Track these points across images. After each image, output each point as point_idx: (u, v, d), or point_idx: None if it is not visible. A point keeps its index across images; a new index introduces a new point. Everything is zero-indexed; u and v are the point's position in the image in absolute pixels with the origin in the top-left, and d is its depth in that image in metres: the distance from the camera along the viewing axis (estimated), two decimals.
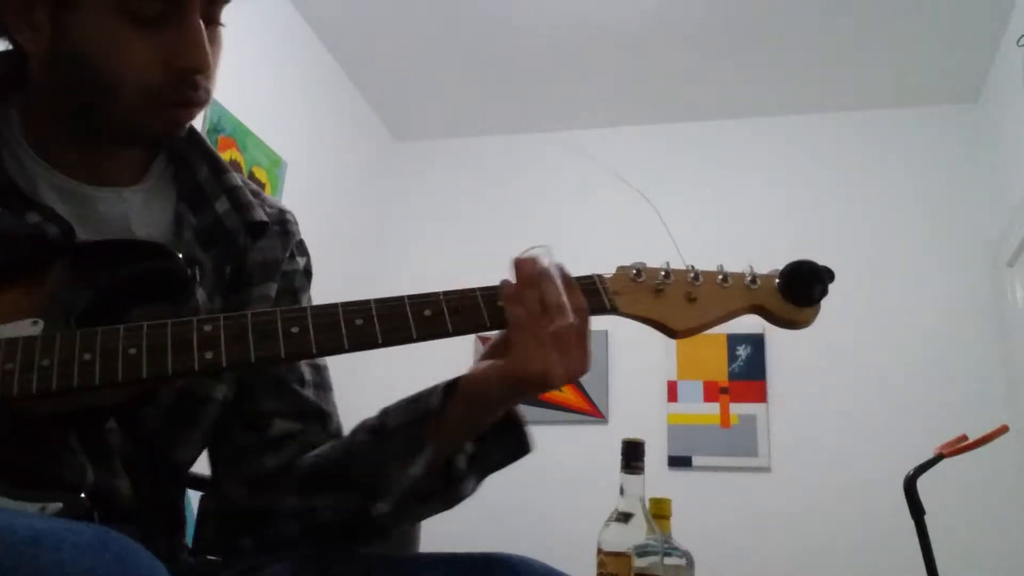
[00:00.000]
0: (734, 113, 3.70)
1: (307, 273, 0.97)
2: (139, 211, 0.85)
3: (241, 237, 0.87)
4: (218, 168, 0.90)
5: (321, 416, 0.90)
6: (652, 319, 0.81)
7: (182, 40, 0.75)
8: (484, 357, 0.79)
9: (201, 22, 0.76)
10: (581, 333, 0.76)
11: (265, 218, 0.89)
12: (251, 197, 0.90)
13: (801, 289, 0.81)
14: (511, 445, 0.84)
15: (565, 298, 0.76)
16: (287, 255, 0.93)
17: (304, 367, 0.91)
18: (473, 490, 0.84)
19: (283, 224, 0.94)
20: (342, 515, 0.81)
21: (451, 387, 0.80)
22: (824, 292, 0.81)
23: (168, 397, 0.81)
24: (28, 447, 0.71)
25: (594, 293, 0.80)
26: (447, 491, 0.81)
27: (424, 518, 0.84)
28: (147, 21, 0.74)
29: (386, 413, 0.82)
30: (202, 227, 0.86)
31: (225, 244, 0.87)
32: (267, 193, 0.99)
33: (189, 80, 0.77)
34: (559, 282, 0.77)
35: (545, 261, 0.78)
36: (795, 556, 3.06)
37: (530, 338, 0.74)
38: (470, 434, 0.81)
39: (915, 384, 3.20)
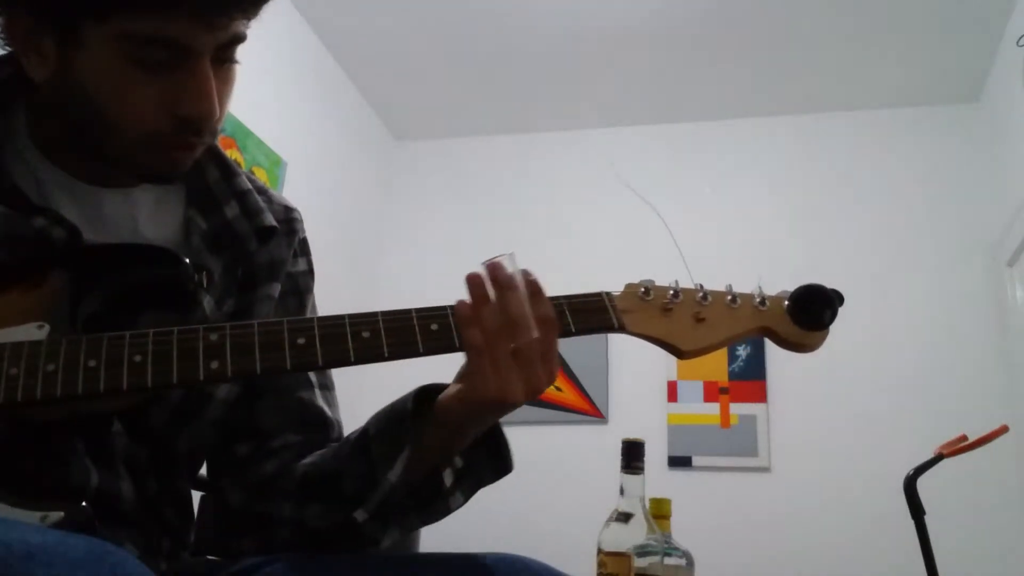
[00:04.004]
0: (733, 113, 3.70)
1: (310, 273, 0.97)
2: (148, 212, 0.84)
3: (251, 242, 0.87)
4: (228, 171, 0.90)
5: (324, 423, 0.90)
6: (660, 339, 0.80)
7: (189, 87, 0.74)
8: (455, 380, 0.77)
9: (209, 68, 0.75)
10: (546, 347, 0.73)
11: (274, 223, 0.89)
12: (260, 201, 0.90)
13: (810, 313, 0.81)
14: (496, 464, 0.83)
15: (528, 310, 0.72)
16: (291, 254, 0.93)
17: None
18: (460, 504, 0.83)
19: (289, 223, 0.94)
20: (330, 523, 0.81)
21: (424, 393, 0.79)
22: (834, 316, 0.80)
23: (176, 394, 0.81)
24: (32, 451, 0.70)
25: (602, 311, 0.78)
26: (433, 504, 0.81)
27: (411, 529, 0.83)
28: (153, 66, 0.72)
29: (368, 424, 0.82)
30: (211, 231, 0.86)
31: (234, 249, 0.87)
32: (262, 182, 0.99)
33: (193, 127, 0.76)
34: (523, 291, 0.73)
35: (508, 269, 0.73)
36: (795, 556, 3.06)
37: (487, 362, 0.71)
38: (451, 449, 0.80)
39: (915, 384, 3.19)
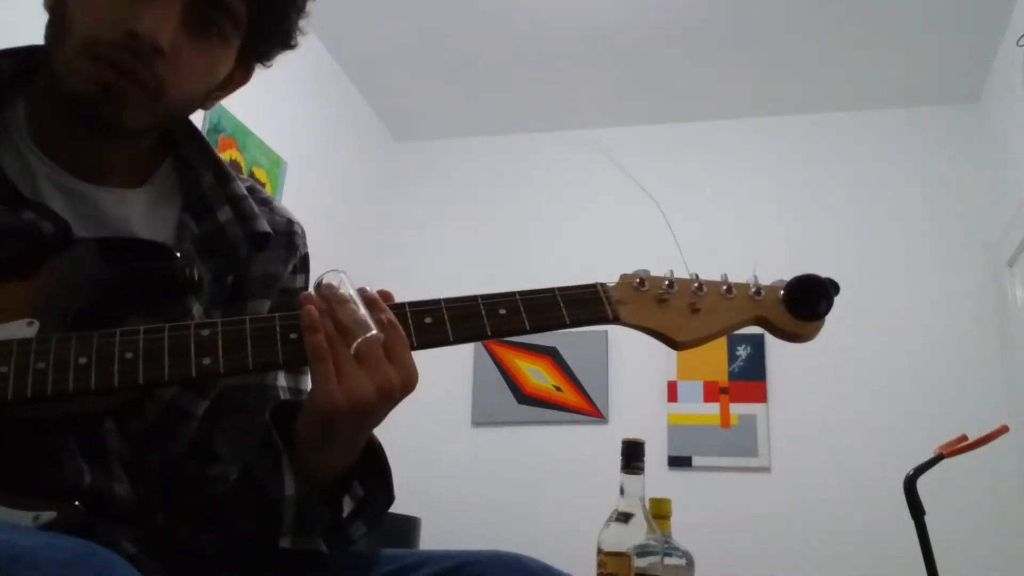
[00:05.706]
0: (734, 113, 3.70)
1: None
2: (141, 214, 0.83)
3: (243, 248, 0.86)
4: (223, 176, 0.88)
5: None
6: (654, 330, 0.79)
7: (146, 6, 0.74)
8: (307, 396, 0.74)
9: (176, 9, 0.75)
10: (393, 346, 0.71)
11: (268, 229, 0.87)
12: (256, 207, 0.88)
13: (806, 303, 0.80)
14: (387, 493, 0.79)
15: (365, 313, 0.71)
16: (288, 270, 0.91)
17: (283, 375, 0.89)
18: (362, 534, 0.78)
19: (289, 236, 0.92)
20: (220, 549, 0.78)
21: (286, 407, 0.77)
22: (829, 307, 0.79)
23: (153, 412, 0.79)
24: (24, 450, 0.70)
25: (597, 302, 0.77)
26: (333, 534, 0.76)
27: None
28: None
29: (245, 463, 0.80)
30: (203, 236, 0.84)
31: (226, 255, 0.85)
32: (268, 193, 0.98)
33: (131, 44, 0.74)
34: (358, 300, 0.72)
35: (338, 287, 0.73)
36: (795, 556, 3.06)
37: (331, 367, 0.69)
38: (322, 466, 0.74)
39: (915, 384, 3.19)
